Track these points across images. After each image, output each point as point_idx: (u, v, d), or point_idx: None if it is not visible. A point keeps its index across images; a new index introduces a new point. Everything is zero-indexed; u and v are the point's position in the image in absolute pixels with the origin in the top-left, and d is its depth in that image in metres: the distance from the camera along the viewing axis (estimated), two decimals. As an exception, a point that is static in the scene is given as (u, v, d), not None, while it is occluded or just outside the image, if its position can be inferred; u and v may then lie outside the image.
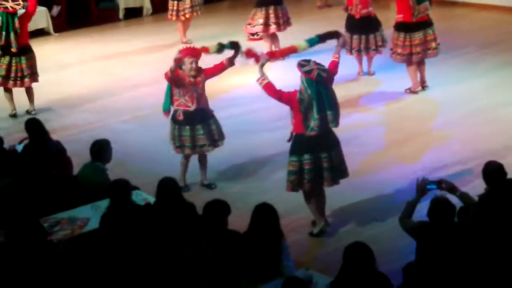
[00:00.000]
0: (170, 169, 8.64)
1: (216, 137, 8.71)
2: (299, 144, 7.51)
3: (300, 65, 7.42)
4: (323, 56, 8.26)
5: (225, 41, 8.82)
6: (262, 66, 7.68)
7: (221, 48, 8.63)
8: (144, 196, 7.16)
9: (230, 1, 18.79)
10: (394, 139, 10.02)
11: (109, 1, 17.62)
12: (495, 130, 10.00)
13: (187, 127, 8.52)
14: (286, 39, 12.49)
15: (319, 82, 7.32)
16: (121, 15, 17.37)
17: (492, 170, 6.36)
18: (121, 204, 6.36)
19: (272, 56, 7.85)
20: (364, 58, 12.38)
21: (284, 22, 13.25)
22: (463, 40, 13.88)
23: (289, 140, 7.64)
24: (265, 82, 7.55)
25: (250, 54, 8.15)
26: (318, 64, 7.44)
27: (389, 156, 9.50)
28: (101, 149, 7.58)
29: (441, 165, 9.09)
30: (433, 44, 11.22)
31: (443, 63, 12.17)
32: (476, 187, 7.02)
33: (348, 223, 8.01)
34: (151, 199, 6.89)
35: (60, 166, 7.73)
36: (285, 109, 7.75)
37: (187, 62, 8.41)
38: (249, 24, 13.33)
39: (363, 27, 11.98)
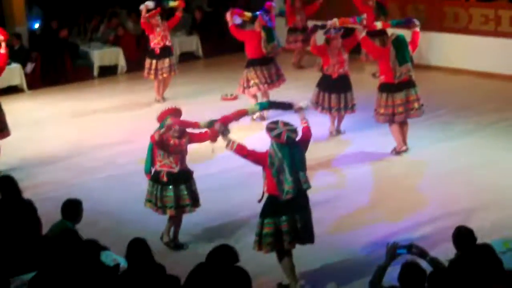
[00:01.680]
0: (142, 229, 8.60)
1: (197, 197, 8.70)
2: (274, 206, 7.46)
3: (269, 129, 7.38)
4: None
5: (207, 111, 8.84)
6: (223, 134, 7.64)
7: (211, 124, 8.55)
8: (114, 256, 7.07)
9: (204, 60, 18.93)
10: (368, 200, 10.01)
11: (84, 59, 17.70)
12: (469, 192, 10.02)
13: (170, 187, 8.50)
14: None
15: (290, 144, 7.33)
16: (95, 72, 17.45)
17: (462, 235, 6.34)
18: (89, 265, 6.27)
19: (227, 120, 7.83)
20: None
21: (277, 78, 13.31)
22: (437, 103, 13.99)
23: (260, 201, 7.61)
24: (234, 146, 7.51)
25: (222, 120, 8.00)
26: (287, 124, 7.42)
27: (363, 217, 9.46)
28: (72, 209, 7.50)
29: (414, 226, 9.07)
30: (416, 105, 11.29)
31: (418, 125, 12.24)
32: (448, 249, 7.01)
33: (320, 285, 7.92)
34: (121, 260, 6.81)
35: (30, 225, 7.63)
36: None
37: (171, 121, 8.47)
38: (243, 85, 13.30)
39: (340, 86, 12.10)
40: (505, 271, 6.15)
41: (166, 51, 14.56)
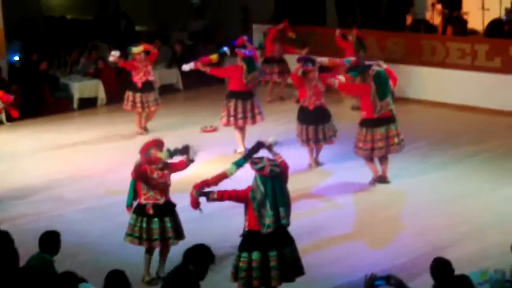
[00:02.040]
0: (121, 261, 8.58)
1: (181, 230, 8.70)
2: (250, 240, 7.51)
3: (253, 163, 7.46)
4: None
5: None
6: (198, 196, 7.70)
7: (170, 154, 8.57)
8: (92, 288, 7.03)
9: (184, 93, 19.00)
10: (347, 231, 10.04)
11: (64, 91, 17.72)
12: (448, 224, 10.08)
13: (156, 219, 8.50)
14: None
15: (273, 178, 7.38)
16: (75, 104, 17.47)
17: (440, 267, 6.38)
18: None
19: (206, 184, 7.85)
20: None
21: (253, 116, 13.23)
22: (417, 135, 14.09)
23: (241, 235, 7.65)
24: (215, 195, 7.60)
25: (198, 186, 7.86)
26: (271, 160, 7.52)
27: (342, 248, 9.49)
28: (50, 241, 7.45)
29: (394, 256, 9.12)
30: (396, 140, 11.40)
31: (398, 157, 12.30)
32: (426, 280, 7.05)
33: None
34: (100, 292, 6.77)
35: (6, 257, 7.57)
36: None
37: (154, 153, 8.48)
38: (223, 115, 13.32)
39: (317, 118, 12.19)
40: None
41: (149, 85, 14.68)
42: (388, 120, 11.34)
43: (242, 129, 13.38)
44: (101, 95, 17.78)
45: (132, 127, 15.09)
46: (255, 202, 7.37)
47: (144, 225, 8.54)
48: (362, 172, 11.81)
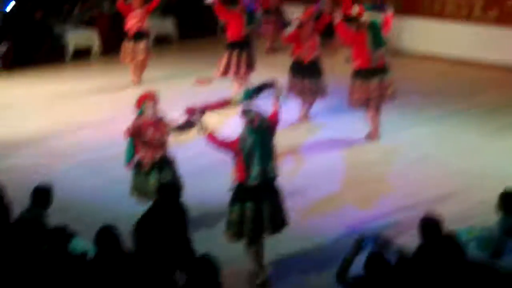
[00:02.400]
0: (114, 216, 8.61)
1: (179, 183, 8.70)
2: (242, 192, 7.53)
3: (244, 113, 7.50)
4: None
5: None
6: (197, 119, 7.74)
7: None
8: (83, 243, 7.09)
9: (179, 43, 18.90)
10: (337, 187, 10.07)
11: (58, 40, 17.60)
12: (438, 179, 10.14)
13: (153, 173, 8.57)
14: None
15: (261, 131, 7.41)
16: (70, 54, 17.35)
17: (428, 225, 6.41)
18: (56, 253, 6.31)
19: (208, 107, 7.91)
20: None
21: (246, 68, 13.27)
22: (410, 88, 14.11)
23: (230, 189, 7.67)
24: (206, 133, 7.62)
25: (189, 111, 8.06)
26: (259, 114, 7.49)
27: (332, 204, 9.53)
28: (41, 195, 7.49)
29: (382, 214, 9.16)
30: (390, 90, 11.43)
31: (390, 110, 12.33)
32: (415, 237, 7.12)
33: (289, 273, 7.97)
34: (90, 247, 6.83)
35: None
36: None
37: (149, 105, 8.49)
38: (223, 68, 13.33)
39: (312, 72, 12.19)
40: (467, 262, 6.23)
41: (141, 34, 14.55)
42: (382, 70, 11.36)
43: (242, 79, 13.37)
44: (96, 44, 17.67)
45: (127, 77, 15.02)
46: (244, 153, 7.41)
47: (143, 180, 8.63)
48: (353, 126, 11.85)
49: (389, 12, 11.62)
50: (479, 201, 9.30)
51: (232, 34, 13.17)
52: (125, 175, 9.05)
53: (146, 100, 8.57)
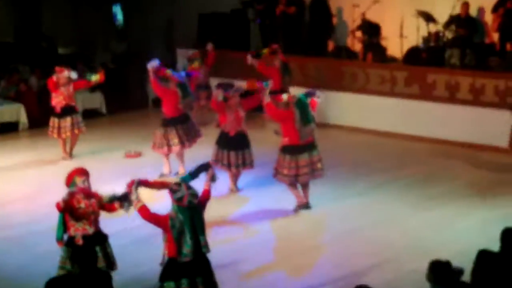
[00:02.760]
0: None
1: (112, 260, 8.62)
2: (175, 269, 7.52)
3: (172, 191, 7.52)
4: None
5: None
6: (134, 189, 7.79)
7: (110, 200, 8.48)
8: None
9: (108, 117, 18.90)
10: (267, 260, 10.07)
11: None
12: (367, 250, 10.23)
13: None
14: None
15: (191, 208, 7.45)
16: (-5, 129, 17.21)
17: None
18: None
19: (146, 183, 7.98)
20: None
21: (195, 134, 13.45)
22: (337, 161, 14.37)
23: (161, 264, 7.68)
24: (139, 205, 7.64)
25: (130, 185, 8.02)
26: (190, 188, 7.54)
27: (261, 278, 9.52)
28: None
29: (315, 284, 9.20)
30: (319, 165, 11.61)
31: (319, 183, 12.47)
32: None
33: None
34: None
35: None
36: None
37: (79, 181, 8.43)
38: (158, 143, 13.35)
39: (238, 143, 12.35)
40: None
41: (68, 110, 14.53)
42: (310, 146, 11.55)
43: (178, 155, 13.51)
44: (23, 119, 17.57)
45: (56, 152, 14.94)
46: (175, 230, 7.42)
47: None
48: (282, 197, 11.95)
49: (318, 95, 11.88)
50: (410, 270, 9.42)
51: (169, 110, 13.25)
52: (52, 251, 8.94)
53: (76, 176, 8.53)
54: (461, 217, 11.38)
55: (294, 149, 11.45)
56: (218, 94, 12.24)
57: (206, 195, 7.79)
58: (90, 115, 18.44)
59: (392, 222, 11.29)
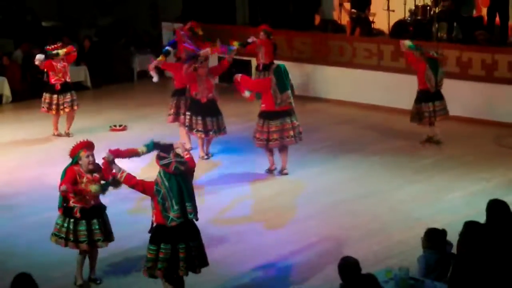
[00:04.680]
0: (29, 263, 8.47)
1: (109, 232, 8.61)
2: (158, 233, 7.61)
3: (159, 157, 7.56)
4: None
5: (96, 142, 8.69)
6: (111, 163, 7.84)
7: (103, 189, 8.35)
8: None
9: (93, 91, 18.78)
10: (253, 230, 10.06)
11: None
12: (354, 222, 10.22)
13: (83, 221, 8.38)
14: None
15: (177, 174, 7.46)
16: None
17: (347, 266, 6.48)
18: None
19: (118, 153, 8.00)
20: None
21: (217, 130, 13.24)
22: (323, 134, 14.37)
23: (150, 231, 7.72)
24: (124, 175, 7.68)
25: (113, 152, 7.99)
26: (178, 156, 7.57)
27: (248, 247, 9.51)
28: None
29: (299, 257, 9.20)
30: (291, 133, 11.82)
31: (305, 155, 12.55)
32: (333, 279, 7.19)
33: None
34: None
35: None
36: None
37: (84, 156, 8.34)
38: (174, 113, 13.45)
39: (210, 110, 12.65)
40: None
41: (67, 87, 14.40)
42: (285, 113, 11.78)
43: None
44: (6, 92, 17.43)
45: (39, 124, 14.85)
46: (160, 196, 7.47)
47: (71, 226, 8.40)
48: (248, 164, 12.10)
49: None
50: (395, 242, 9.45)
51: (178, 83, 13.34)
52: (39, 221, 8.91)
53: (81, 150, 8.42)
54: (448, 190, 11.40)
55: (269, 114, 11.76)
56: (187, 68, 12.48)
57: (191, 163, 7.76)
58: (75, 88, 18.22)
59: (379, 195, 11.29)
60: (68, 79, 14.48)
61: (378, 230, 9.95)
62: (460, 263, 6.61)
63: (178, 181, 7.48)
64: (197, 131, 12.62)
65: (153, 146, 8.03)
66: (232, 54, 12.91)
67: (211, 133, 12.68)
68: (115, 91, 18.40)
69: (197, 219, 7.67)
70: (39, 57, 14.23)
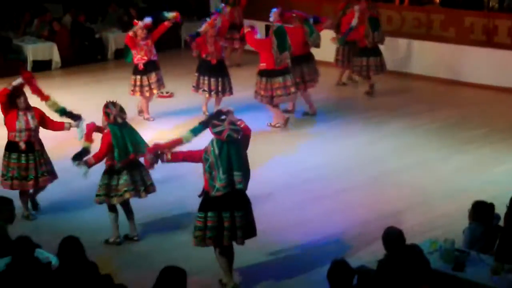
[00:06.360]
0: (76, 227, 8.58)
1: (148, 183, 8.81)
2: (206, 201, 7.57)
3: (213, 125, 7.45)
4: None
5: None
6: (154, 162, 7.70)
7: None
8: (46, 254, 7.01)
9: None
10: (299, 200, 10.04)
11: (16, 53, 17.44)
12: (399, 194, 10.17)
13: (125, 171, 8.61)
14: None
15: (229, 142, 7.37)
16: (29, 67, 17.17)
17: (392, 237, 6.48)
18: (23, 262, 6.24)
19: (159, 148, 7.84)
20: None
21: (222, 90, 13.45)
22: (370, 104, 14.32)
23: (200, 196, 7.69)
24: (169, 157, 7.61)
25: (151, 150, 7.81)
26: (231, 124, 7.47)
27: (294, 217, 9.51)
28: (2, 209, 7.39)
29: (344, 227, 9.19)
30: (293, 89, 12.68)
31: (352, 125, 12.52)
32: (377, 250, 7.18)
33: (259, 281, 7.98)
34: (53, 258, 6.76)
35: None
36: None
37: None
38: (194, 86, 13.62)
39: (218, 71, 13.24)
40: (432, 271, 6.30)
41: (151, 66, 13.36)
42: (285, 70, 12.60)
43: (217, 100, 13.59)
44: (56, 58, 17.57)
45: (89, 90, 15.05)
46: (207, 164, 7.41)
47: (114, 182, 8.63)
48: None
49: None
50: (440, 214, 9.40)
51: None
52: (85, 186, 9.06)
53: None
54: (498, 161, 11.27)
55: (270, 73, 12.55)
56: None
57: (247, 131, 7.64)
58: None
59: (425, 166, 11.21)
60: (153, 57, 13.35)
61: (423, 202, 9.89)
62: (507, 236, 6.55)
63: (228, 149, 7.37)
64: (203, 90, 13.28)
65: (201, 126, 7.80)
66: (223, 12, 14.02)
67: (213, 93, 13.20)
68: (162, 58, 18.38)
69: (245, 189, 7.56)
70: (147, 20, 13.18)
